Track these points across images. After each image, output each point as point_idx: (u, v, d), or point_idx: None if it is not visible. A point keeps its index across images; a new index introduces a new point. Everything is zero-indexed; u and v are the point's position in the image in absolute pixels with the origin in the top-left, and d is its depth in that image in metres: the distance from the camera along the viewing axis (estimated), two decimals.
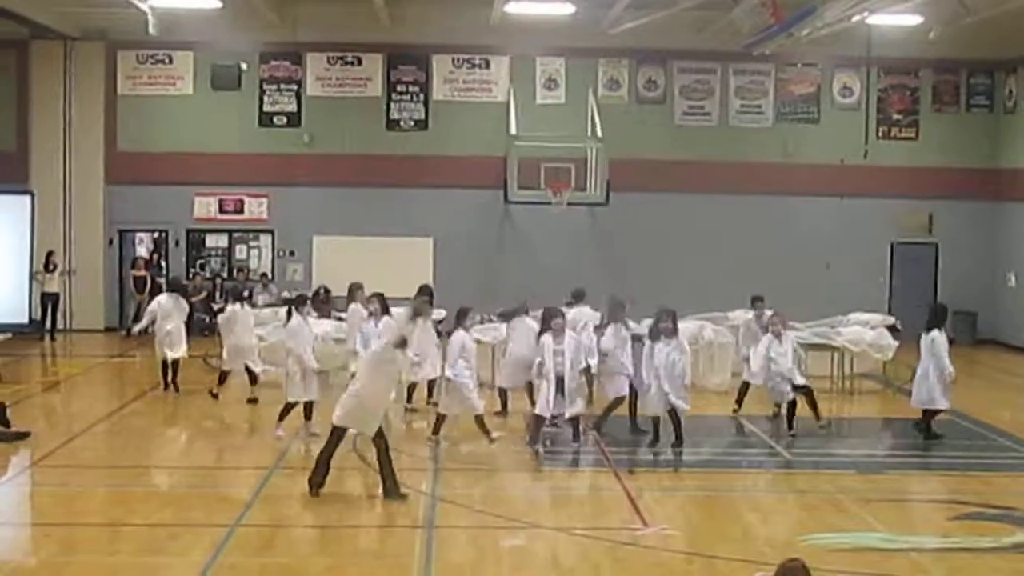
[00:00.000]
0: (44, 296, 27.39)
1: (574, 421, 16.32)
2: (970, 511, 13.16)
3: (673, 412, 16.18)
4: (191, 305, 22.91)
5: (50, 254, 27.61)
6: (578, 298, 20.43)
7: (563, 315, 16.66)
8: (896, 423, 19.25)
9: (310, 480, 13.26)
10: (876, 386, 22.30)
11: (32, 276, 26.35)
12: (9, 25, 26.79)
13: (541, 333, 16.47)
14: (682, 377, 16.19)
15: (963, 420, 19.12)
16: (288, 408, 16.61)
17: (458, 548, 11.57)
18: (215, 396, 19.71)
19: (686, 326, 20.36)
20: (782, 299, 23.46)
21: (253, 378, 19.93)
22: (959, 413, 19.47)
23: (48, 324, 27.59)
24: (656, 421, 16.40)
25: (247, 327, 20.19)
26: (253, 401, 19.65)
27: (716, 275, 26.90)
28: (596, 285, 22.11)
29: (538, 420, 16.24)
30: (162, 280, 29.21)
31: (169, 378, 20.81)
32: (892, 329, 22.73)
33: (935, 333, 17.42)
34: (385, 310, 17.70)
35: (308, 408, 16.68)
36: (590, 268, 26.36)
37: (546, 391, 15.98)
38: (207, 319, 27.55)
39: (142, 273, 28.96)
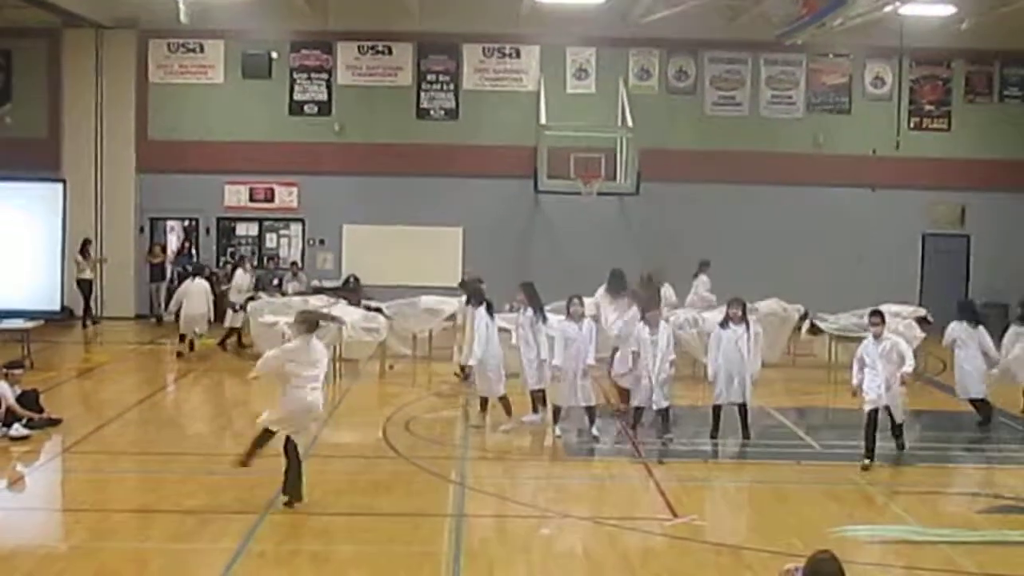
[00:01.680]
0: (79, 283, 27.57)
1: (664, 412, 16.19)
2: (1001, 504, 13.08)
3: (742, 406, 16.09)
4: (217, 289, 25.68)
5: (86, 242, 27.80)
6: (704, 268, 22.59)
7: (659, 305, 16.96)
8: (926, 415, 19.13)
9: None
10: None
11: (63, 263, 26.52)
12: (41, 14, 26.97)
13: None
14: (750, 366, 16.18)
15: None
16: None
17: (487, 537, 11.59)
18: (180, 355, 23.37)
19: (715, 316, 20.41)
20: (812, 290, 23.52)
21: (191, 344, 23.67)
22: None
23: (84, 311, 27.80)
24: (717, 411, 16.19)
25: (196, 298, 23.59)
26: (179, 355, 23.41)
27: (746, 266, 26.78)
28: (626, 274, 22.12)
29: (638, 411, 16.37)
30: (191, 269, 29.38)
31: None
32: (924, 321, 22.62)
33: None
34: (533, 302, 17.13)
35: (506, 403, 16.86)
36: (620, 258, 26.23)
37: (646, 383, 16.04)
38: (236, 306, 27.65)
39: (159, 260, 29.03)
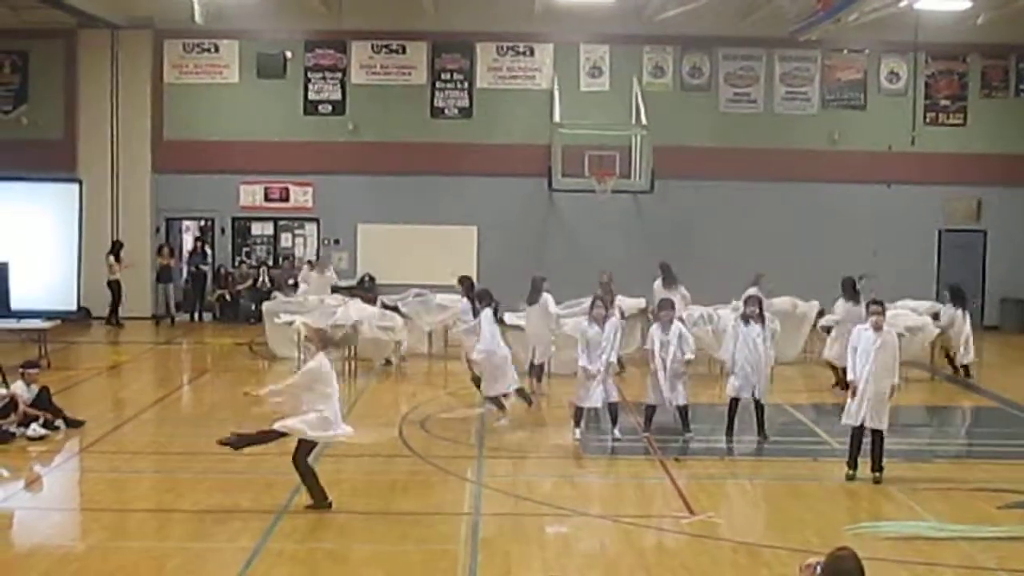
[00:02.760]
0: (109, 284, 27.78)
1: (682, 410, 16.13)
2: (1019, 499, 13.05)
3: (758, 403, 16.03)
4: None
5: (119, 244, 28.00)
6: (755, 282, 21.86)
7: (672, 306, 16.72)
8: (943, 411, 19.12)
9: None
10: (923, 374, 22.13)
11: (80, 264, 26.59)
12: (57, 15, 27.04)
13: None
14: (765, 364, 16.10)
15: (1011, 408, 18.97)
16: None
17: (504, 535, 11.57)
18: None
19: (729, 313, 20.44)
20: (829, 287, 23.38)
21: None
22: (1007, 400, 19.34)
23: (113, 310, 28.03)
24: (734, 404, 16.08)
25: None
26: None
27: (761, 262, 26.61)
28: (641, 272, 22.13)
29: (650, 409, 16.24)
30: (207, 268, 29.46)
31: None
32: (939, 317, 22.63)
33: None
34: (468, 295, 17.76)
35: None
36: (635, 256, 26.30)
37: (658, 380, 15.98)
38: (252, 307, 27.78)
39: (166, 261, 28.94)
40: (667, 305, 16.66)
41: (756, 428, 16.05)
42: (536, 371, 19.63)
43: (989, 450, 16.09)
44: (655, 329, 16.24)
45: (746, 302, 16.63)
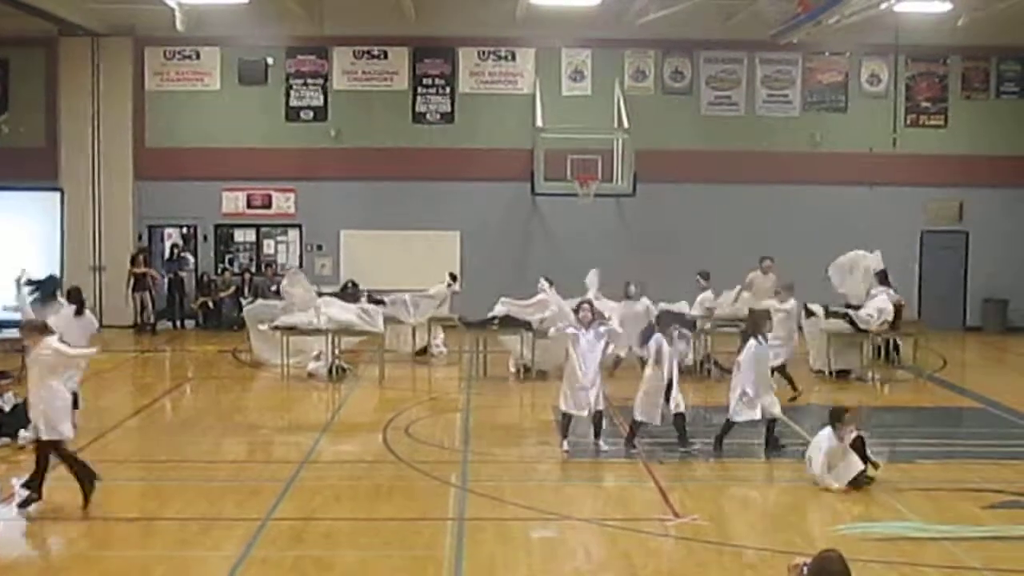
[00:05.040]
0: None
1: (679, 420, 15.45)
2: (1004, 499, 13.09)
3: (772, 421, 15.42)
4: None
5: (144, 251, 28.03)
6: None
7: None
8: (927, 411, 19.16)
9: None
10: (907, 375, 22.19)
11: (62, 272, 26.47)
12: (38, 22, 26.96)
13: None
14: (768, 379, 15.58)
15: (995, 408, 19.03)
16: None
17: (489, 540, 11.55)
18: None
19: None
20: (812, 288, 23.46)
21: None
22: (990, 401, 19.39)
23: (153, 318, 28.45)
24: (730, 426, 15.46)
25: None
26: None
27: (744, 265, 26.74)
28: (624, 276, 22.11)
29: (639, 425, 15.60)
30: (184, 275, 29.31)
31: None
32: (883, 279, 22.51)
33: None
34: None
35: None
36: (618, 259, 26.26)
37: (656, 399, 15.30)
38: (235, 314, 27.69)
39: (141, 270, 28.67)
40: (671, 320, 15.87)
41: (770, 444, 15.43)
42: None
43: (973, 450, 16.10)
44: (659, 340, 15.30)
45: (750, 314, 16.06)
